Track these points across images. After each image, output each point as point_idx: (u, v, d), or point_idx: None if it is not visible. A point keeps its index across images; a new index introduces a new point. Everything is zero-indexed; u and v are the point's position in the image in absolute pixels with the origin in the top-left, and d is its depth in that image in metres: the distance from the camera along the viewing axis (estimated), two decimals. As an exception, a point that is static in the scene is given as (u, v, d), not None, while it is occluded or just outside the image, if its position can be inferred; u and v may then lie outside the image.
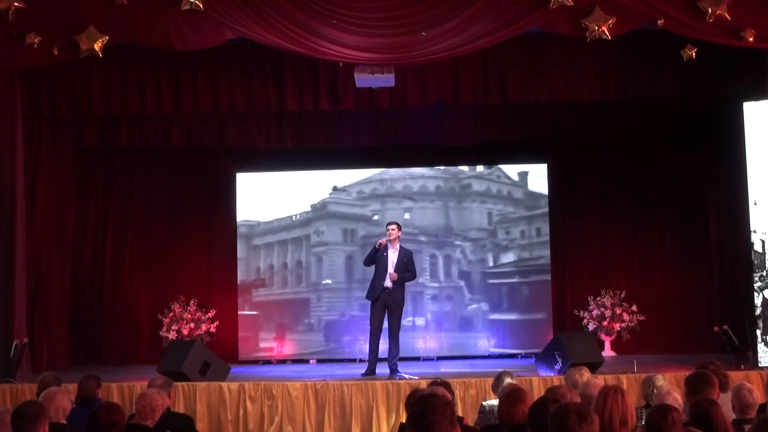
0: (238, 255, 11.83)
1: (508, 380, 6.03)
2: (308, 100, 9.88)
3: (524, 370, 8.75)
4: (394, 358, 9.03)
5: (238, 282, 11.80)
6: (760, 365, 8.83)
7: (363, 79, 9.27)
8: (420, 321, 11.58)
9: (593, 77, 9.79)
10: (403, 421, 5.97)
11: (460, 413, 7.28)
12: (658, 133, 11.40)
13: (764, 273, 9.08)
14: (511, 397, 4.63)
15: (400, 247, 9.26)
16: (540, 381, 8.04)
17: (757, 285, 9.08)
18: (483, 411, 5.91)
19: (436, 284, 11.70)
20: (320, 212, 11.92)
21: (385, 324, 9.15)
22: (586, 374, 5.98)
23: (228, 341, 11.57)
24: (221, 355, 9.77)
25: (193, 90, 9.84)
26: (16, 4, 8.34)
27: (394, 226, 9.24)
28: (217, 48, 9.01)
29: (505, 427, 4.53)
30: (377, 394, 8.23)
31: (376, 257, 9.15)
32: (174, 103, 9.89)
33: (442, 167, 11.94)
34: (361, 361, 10.53)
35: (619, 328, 11.18)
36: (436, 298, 11.73)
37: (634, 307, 11.25)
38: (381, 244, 9.11)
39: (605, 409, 3.72)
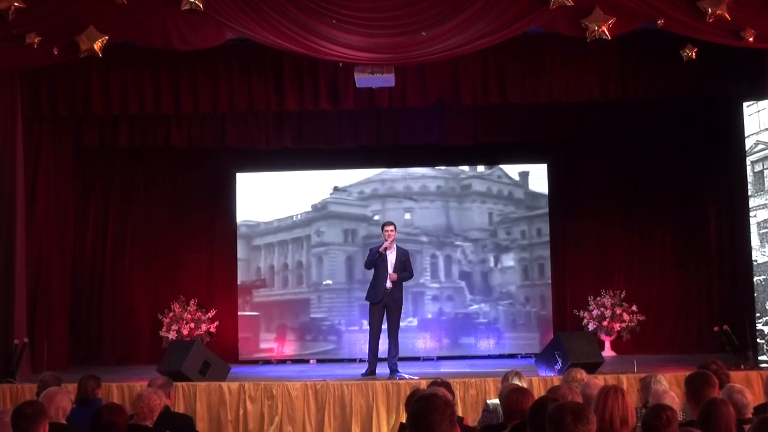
0: (239, 255, 11.83)
1: (515, 381, 6.01)
2: (308, 100, 9.87)
3: (524, 370, 8.70)
4: (393, 358, 9.03)
5: (239, 282, 11.80)
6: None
7: (363, 79, 9.27)
8: (420, 321, 11.56)
9: (593, 77, 9.79)
10: (403, 421, 5.97)
11: (460, 413, 7.28)
12: (658, 132, 11.39)
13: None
14: (519, 390, 4.65)
15: (397, 247, 9.25)
16: (540, 381, 8.04)
17: None
18: (487, 410, 5.93)
19: (436, 284, 11.70)
20: (321, 212, 11.92)
21: (384, 324, 9.15)
22: (582, 375, 5.97)
23: (228, 341, 11.58)
24: (221, 355, 9.77)
25: (193, 90, 9.84)
26: (16, 4, 8.35)
27: (392, 227, 9.20)
28: (217, 48, 9.01)
29: (511, 420, 4.53)
30: (377, 394, 8.23)
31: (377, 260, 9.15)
32: (174, 103, 9.89)
33: (442, 167, 11.95)
34: (361, 361, 10.53)
35: (619, 328, 11.19)
36: (436, 298, 11.73)
37: (634, 307, 11.25)
38: (385, 248, 9.09)
39: (606, 409, 3.72)
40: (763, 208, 9.11)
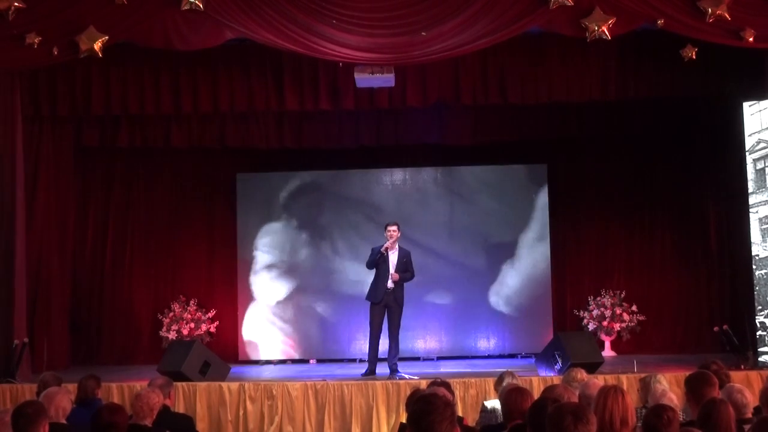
0: (238, 255, 11.82)
1: (509, 380, 6.02)
2: (308, 100, 9.87)
3: (524, 370, 8.74)
4: (394, 358, 9.03)
5: (238, 282, 11.79)
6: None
7: (363, 79, 9.27)
8: (420, 320, 11.54)
9: (593, 77, 9.79)
10: (403, 421, 5.97)
11: (460, 413, 7.28)
12: (658, 132, 11.40)
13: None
14: (518, 390, 4.65)
15: (399, 247, 9.26)
16: (540, 381, 8.03)
17: None
18: (485, 410, 5.91)
19: (435, 284, 11.66)
20: (320, 211, 11.90)
21: (385, 324, 9.15)
22: (582, 375, 5.97)
23: (228, 341, 11.58)
24: (221, 355, 9.78)
25: (193, 90, 9.84)
26: (16, 4, 8.35)
27: (395, 227, 9.22)
28: (217, 48, 9.01)
29: (510, 420, 4.53)
30: (377, 394, 8.23)
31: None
32: (174, 103, 9.89)
33: (441, 166, 11.93)
34: (361, 361, 10.53)
35: (619, 328, 11.19)
36: (436, 298, 11.70)
37: (634, 307, 11.25)
38: (388, 248, 9.09)
39: (605, 409, 3.72)
40: (765, 204, 9.14)
